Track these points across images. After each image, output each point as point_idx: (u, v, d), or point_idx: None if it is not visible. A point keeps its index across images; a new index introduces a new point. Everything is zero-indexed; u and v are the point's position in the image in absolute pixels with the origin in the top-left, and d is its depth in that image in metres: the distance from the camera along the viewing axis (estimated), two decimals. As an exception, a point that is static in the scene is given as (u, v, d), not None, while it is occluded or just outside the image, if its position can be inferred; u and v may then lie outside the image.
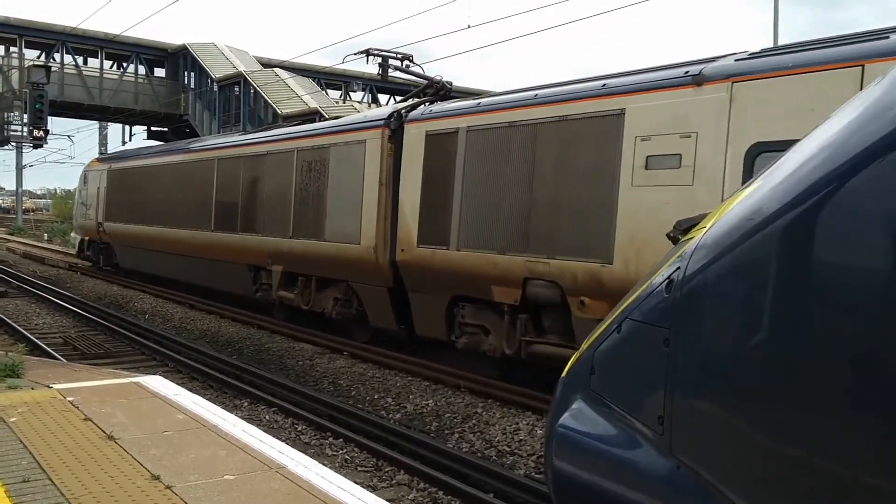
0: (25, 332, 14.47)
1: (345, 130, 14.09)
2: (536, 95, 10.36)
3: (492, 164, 10.65)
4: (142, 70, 41.06)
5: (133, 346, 14.21)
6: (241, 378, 11.39)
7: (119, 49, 39.82)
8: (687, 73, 8.50)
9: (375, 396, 10.66)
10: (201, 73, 38.76)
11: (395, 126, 12.70)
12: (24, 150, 48.35)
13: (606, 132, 9.09)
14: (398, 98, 47.08)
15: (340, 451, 8.32)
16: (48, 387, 7.24)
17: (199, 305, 18.74)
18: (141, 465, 5.00)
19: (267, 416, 9.59)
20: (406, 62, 16.34)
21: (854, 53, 7.15)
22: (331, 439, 8.71)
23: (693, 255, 2.00)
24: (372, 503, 4.55)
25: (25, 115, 33.45)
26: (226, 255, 17.62)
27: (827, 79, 7.19)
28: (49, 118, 32.74)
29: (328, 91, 39.55)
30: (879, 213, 1.51)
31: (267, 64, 38.06)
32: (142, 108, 40.33)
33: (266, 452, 5.39)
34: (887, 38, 7.13)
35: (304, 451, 6.16)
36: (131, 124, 44.14)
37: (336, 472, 5.37)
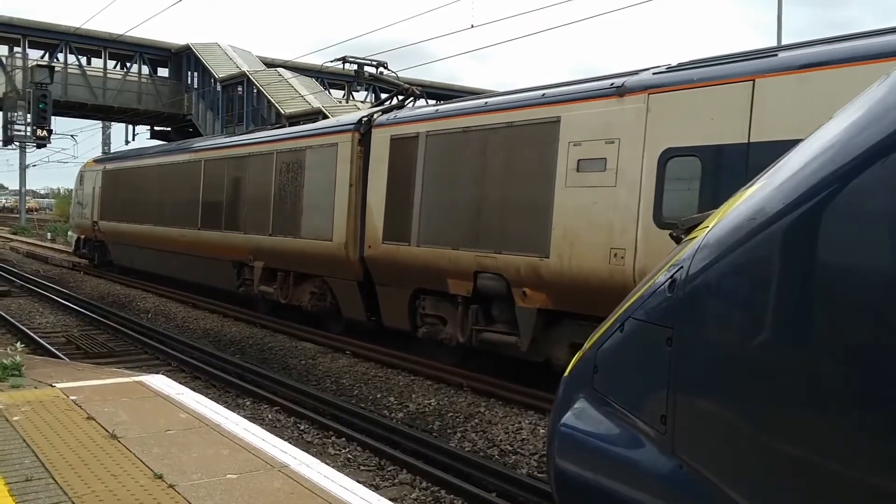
0: (28, 332, 14.49)
1: (319, 134, 14.93)
2: (486, 103, 11.27)
3: (448, 167, 11.56)
4: (145, 70, 41.09)
5: (136, 345, 14.22)
6: (244, 377, 11.40)
7: (122, 49, 39.86)
8: (612, 84, 9.36)
9: (378, 395, 10.66)
10: (204, 72, 38.78)
11: (364, 130, 13.49)
12: (27, 150, 48.43)
13: (545, 138, 9.92)
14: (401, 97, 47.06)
15: (343, 451, 8.33)
16: (51, 386, 7.24)
17: (202, 305, 18.77)
18: (144, 463, 5.00)
19: (269, 416, 9.60)
20: (380, 69, 17.42)
21: (747, 69, 8.03)
22: (333, 438, 8.72)
23: (696, 254, 2.00)
24: (375, 502, 4.55)
25: (29, 115, 33.51)
26: (211, 251, 18.49)
27: (724, 92, 8.11)
28: (52, 118, 32.85)
29: (331, 91, 39.54)
30: (882, 214, 1.50)
31: (270, 64, 38.09)
32: (145, 108, 40.37)
33: (268, 451, 5.39)
34: (775, 55, 8.02)
35: (307, 451, 6.15)
36: (134, 124, 44.19)
37: (339, 471, 5.37)
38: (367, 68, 17.74)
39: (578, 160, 9.46)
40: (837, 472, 1.51)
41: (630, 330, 2.29)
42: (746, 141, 7.84)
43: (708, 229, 2.04)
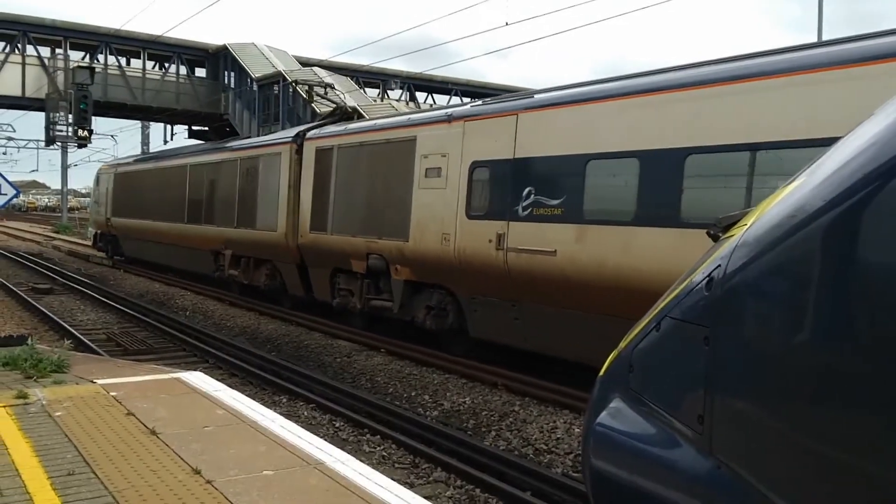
0: (70, 329, 14.77)
1: (269, 144, 18.61)
2: (375, 124, 14.78)
3: (351, 172, 14.86)
4: (183, 70, 41.55)
5: (174, 342, 14.42)
6: (280, 374, 11.50)
7: (161, 50, 40.34)
8: (446, 114, 12.57)
9: (412, 394, 10.69)
10: (241, 72, 39.08)
11: (300, 142, 16.85)
12: (69, 150, 49.32)
13: (407, 152, 13.05)
14: (436, 96, 47.16)
15: (378, 448, 8.36)
16: (92, 382, 7.36)
17: (239, 303, 19.02)
18: (182, 459, 5.06)
19: (305, 413, 9.67)
20: (326, 89, 21.74)
21: (513, 107, 11.10)
22: (368, 436, 8.76)
23: (734, 252, 1.97)
24: (409, 500, 4.56)
25: (70, 116, 34.09)
26: (195, 242, 22.10)
27: (501, 122, 11.14)
28: (93, 118, 33.40)
29: (366, 89, 39.69)
30: None
31: (305, 63, 38.29)
32: (183, 108, 40.76)
33: (304, 448, 5.43)
34: (532, 97, 11.03)
35: (342, 448, 6.18)
36: (173, 124, 44.68)
37: (374, 468, 5.39)
38: (316, 89, 22.15)
39: (426, 169, 12.54)
40: (881, 476, 1.48)
41: (666, 329, 2.27)
42: (512, 157, 10.81)
43: (746, 227, 2.01)
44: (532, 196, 10.37)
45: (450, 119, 12.21)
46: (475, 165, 11.48)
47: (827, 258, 1.68)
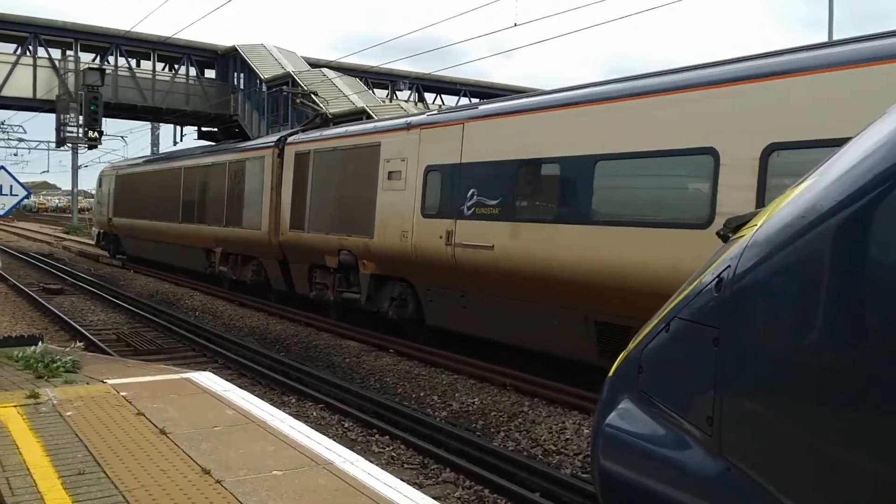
0: (81, 329, 14.82)
1: (254, 149, 20.01)
2: (346, 131, 16.06)
3: (325, 175, 16.13)
4: (193, 72, 41.69)
5: (183, 342, 14.46)
6: (289, 375, 11.51)
7: (171, 51, 40.52)
8: (405, 122, 13.91)
9: (421, 394, 10.69)
10: (250, 73, 39.18)
11: (281, 147, 18.11)
12: (79, 151, 49.51)
13: (373, 156, 14.33)
14: (444, 96, 47.15)
15: (387, 448, 8.36)
16: (102, 382, 7.39)
17: (248, 303, 19.06)
18: (192, 459, 5.07)
19: (314, 413, 9.68)
20: (312, 95, 23.85)
21: (460, 117, 12.47)
22: (377, 436, 8.76)
23: (744, 253, 1.96)
24: (418, 500, 4.56)
25: (81, 117, 34.26)
26: (188, 240, 23.43)
27: (450, 130, 12.40)
28: (103, 119, 33.62)
29: (375, 90, 39.71)
30: None
31: (314, 64, 38.35)
32: (193, 109, 40.93)
33: (313, 448, 5.43)
34: (476, 108, 12.45)
35: (351, 448, 6.18)
36: (183, 125, 44.85)
37: (382, 468, 5.38)
38: (303, 96, 24.28)
39: (389, 172, 13.78)
40: (894, 477, 1.47)
41: (676, 330, 2.26)
42: (460, 161, 12.03)
43: (756, 227, 2.00)
44: (475, 197, 11.65)
45: (408, 127, 13.60)
46: (429, 169, 12.72)
47: (838, 259, 1.68)
